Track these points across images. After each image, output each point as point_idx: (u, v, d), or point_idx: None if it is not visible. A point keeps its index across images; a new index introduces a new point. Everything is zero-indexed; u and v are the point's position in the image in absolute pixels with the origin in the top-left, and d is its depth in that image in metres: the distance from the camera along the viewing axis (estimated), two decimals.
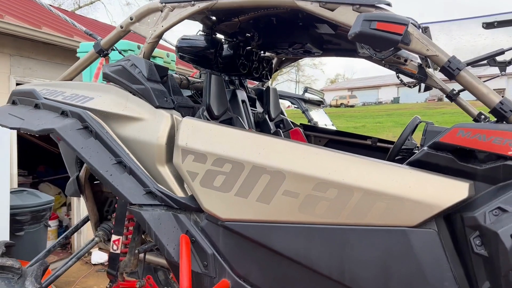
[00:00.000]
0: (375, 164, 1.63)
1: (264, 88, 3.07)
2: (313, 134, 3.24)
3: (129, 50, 3.17)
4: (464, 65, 1.59)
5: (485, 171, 1.52)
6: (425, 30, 1.92)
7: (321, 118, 6.47)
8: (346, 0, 1.70)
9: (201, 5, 1.96)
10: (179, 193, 1.90)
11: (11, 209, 4.16)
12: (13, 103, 2.35)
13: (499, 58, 1.89)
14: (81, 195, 2.67)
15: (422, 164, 1.61)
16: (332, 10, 1.74)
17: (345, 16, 1.71)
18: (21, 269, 2.11)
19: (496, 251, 1.41)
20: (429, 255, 1.51)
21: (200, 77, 2.94)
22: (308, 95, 6.51)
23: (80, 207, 6.32)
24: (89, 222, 2.77)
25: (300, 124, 3.29)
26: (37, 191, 4.92)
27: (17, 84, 5.22)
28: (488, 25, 1.78)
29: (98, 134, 1.98)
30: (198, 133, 1.86)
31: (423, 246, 1.51)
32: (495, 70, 1.98)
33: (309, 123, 3.69)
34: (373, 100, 52.82)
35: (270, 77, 3.02)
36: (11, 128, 2.16)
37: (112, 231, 2.30)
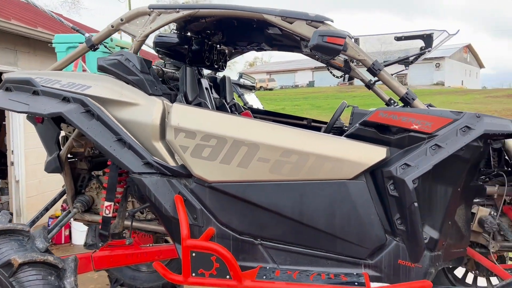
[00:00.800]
0: (323, 137, 2.28)
1: (220, 77, 3.60)
2: (259, 116, 3.84)
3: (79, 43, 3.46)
4: (383, 66, 2.29)
5: (397, 140, 2.23)
6: (356, 40, 2.59)
7: (254, 102, 7.10)
8: (302, 16, 2.30)
9: (185, 12, 2.44)
10: (171, 163, 2.40)
11: None
12: (7, 89, 2.63)
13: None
14: (62, 172, 3.02)
15: (355, 136, 2.28)
16: (291, 23, 2.33)
17: (301, 28, 2.31)
18: (29, 232, 2.47)
19: (403, 192, 2.13)
20: (360, 198, 2.20)
21: (165, 66, 3.39)
22: (242, 80, 7.10)
23: (20, 192, 6.36)
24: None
25: (248, 107, 3.87)
26: None
27: None
28: (398, 39, 2.51)
29: (100, 116, 2.39)
30: (187, 115, 2.36)
31: (356, 192, 2.20)
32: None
33: (244, 106, 4.25)
34: (290, 83, 54.81)
35: (225, 67, 3.55)
36: (19, 112, 2.47)
37: (104, 198, 2.72)
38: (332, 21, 2.31)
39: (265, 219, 2.31)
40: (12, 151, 6.26)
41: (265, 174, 2.26)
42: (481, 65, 63.45)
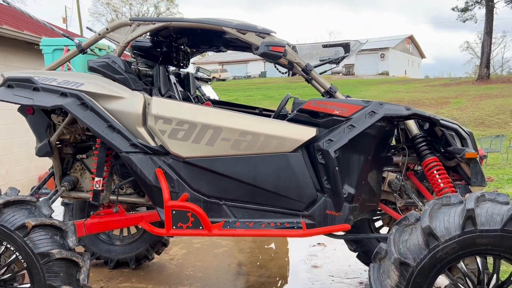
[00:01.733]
0: (271, 121, 3.01)
1: (183, 73, 4.25)
2: (218, 106, 4.52)
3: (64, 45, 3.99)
4: (313, 67, 3.05)
5: (324, 122, 3.01)
6: (294, 48, 3.32)
7: (210, 93, 7.75)
8: (252, 29, 3.01)
9: (160, 24, 3.09)
10: (152, 144, 3.05)
11: None
12: (9, 86, 3.16)
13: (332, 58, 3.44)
14: (51, 155, 3.57)
15: (294, 120, 3.04)
16: (244, 34, 3.03)
17: (251, 38, 3.02)
18: (36, 202, 3.04)
19: (328, 160, 2.91)
20: (298, 165, 2.96)
21: (137, 65, 3.99)
22: (200, 74, 7.72)
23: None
24: None
25: (208, 99, 4.54)
26: None
27: None
28: (324, 46, 3.29)
29: (93, 108, 2.99)
30: (165, 106, 3.02)
31: (295, 161, 2.96)
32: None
33: (205, 98, 4.89)
34: (242, 74, 55.51)
35: (188, 65, 4.19)
36: (26, 105, 3.02)
37: (94, 175, 3.31)
38: (275, 32, 3.04)
39: (227, 185, 3.02)
40: None
41: (227, 150, 2.97)
42: (422, 56, 66.97)
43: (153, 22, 3.10)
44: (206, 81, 8.03)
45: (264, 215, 3.03)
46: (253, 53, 3.75)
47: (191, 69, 6.78)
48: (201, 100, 4.31)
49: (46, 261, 2.81)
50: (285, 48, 2.91)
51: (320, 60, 3.74)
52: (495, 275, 2.60)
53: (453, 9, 32.48)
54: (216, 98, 8.02)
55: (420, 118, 3.13)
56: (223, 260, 5.23)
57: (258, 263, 5.13)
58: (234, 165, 2.98)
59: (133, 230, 5.07)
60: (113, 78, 3.08)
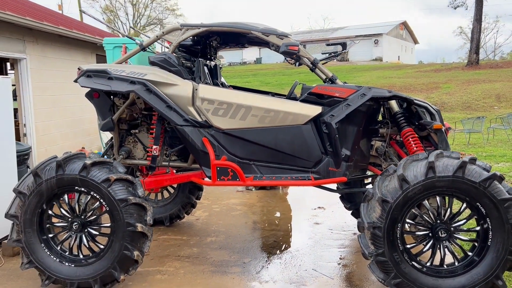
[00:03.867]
0: (288, 101, 4.06)
1: (211, 65, 5.25)
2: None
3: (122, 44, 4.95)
4: (319, 60, 4.07)
5: (327, 102, 4.03)
6: (304, 45, 4.33)
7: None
8: (274, 32, 4.02)
9: (203, 29, 4.08)
10: (199, 119, 4.07)
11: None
12: (88, 76, 4.15)
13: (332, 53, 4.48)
14: (113, 130, 4.57)
15: (305, 101, 4.07)
16: (267, 36, 4.04)
17: (273, 39, 4.04)
18: (112, 163, 4.06)
19: (330, 130, 3.95)
20: (308, 134, 3.99)
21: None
22: None
23: (32, 158, 7.66)
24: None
25: (230, 85, 5.54)
26: (18, 142, 6.30)
27: None
28: (328, 44, 4.31)
29: (155, 92, 4.00)
30: (209, 91, 4.03)
31: (306, 131, 3.99)
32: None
33: (227, 84, 5.85)
34: (238, 60, 56.14)
35: (216, 58, 5.19)
36: (105, 91, 4.02)
37: (152, 144, 4.32)
38: (291, 35, 4.05)
39: (255, 150, 4.06)
40: (25, 125, 7.54)
41: (255, 124, 4.00)
42: (415, 41, 67.74)
43: (198, 27, 4.10)
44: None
45: (283, 172, 4.08)
46: (270, 48, 4.77)
47: None
48: (225, 86, 5.32)
49: (124, 205, 3.84)
50: (299, 47, 3.92)
51: (322, 53, 4.78)
52: (449, 209, 3.66)
53: None
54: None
55: (399, 99, 4.16)
56: (240, 219, 6.30)
57: (269, 222, 6.21)
58: (260, 134, 4.00)
59: (166, 194, 6.11)
60: (169, 70, 4.08)
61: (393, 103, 4.38)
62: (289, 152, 4.03)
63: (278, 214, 6.62)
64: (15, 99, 7.75)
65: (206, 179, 4.08)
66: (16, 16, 6.59)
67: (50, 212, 4.03)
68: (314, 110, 3.99)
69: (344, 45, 4.32)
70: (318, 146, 4.03)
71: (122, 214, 3.84)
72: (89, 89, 4.31)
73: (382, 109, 4.53)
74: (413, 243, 3.72)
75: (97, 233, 4.06)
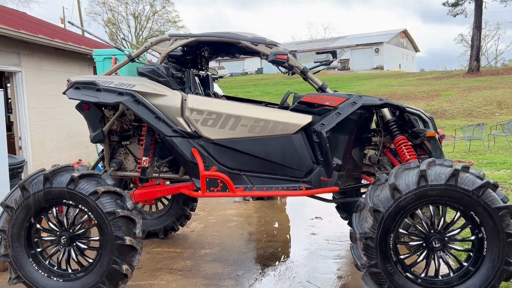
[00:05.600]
0: (278, 110, 4.00)
1: (202, 75, 5.22)
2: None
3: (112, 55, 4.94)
4: (308, 69, 4.03)
5: (317, 111, 3.98)
6: (294, 54, 4.30)
7: (217, 90, 8.73)
8: (262, 41, 3.98)
9: (192, 39, 4.06)
10: (188, 129, 4.02)
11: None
12: (77, 88, 4.12)
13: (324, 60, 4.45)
14: (103, 142, 4.52)
15: (295, 110, 4.02)
16: (256, 45, 4.01)
17: (262, 48, 4.00)
18: (101, 175, 4.01)
19: (321, 139, 3.89)
20: (299, 144, 3.94)
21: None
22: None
23: (28, 171, 7.64)
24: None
25: (223, 95, 5.51)
26: (12, 154, 6.27)
27: None
28: (317, 53, 4.28)
29: (143, 103, 3.96)
30: (198, 101, 3.99)
31: (296, 141, 3.93)
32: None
33: (219, 94, 5.81)
34: (239, 70, 56.38)
35: (207, 69, 5.16)
36: (94, 102, 3.98)
37: (142, 155, 4.28)
38: (280, 44, 4.01)
39: (246, 160, 4.00)
40: (20, 137, 7.53)
41: (245, 133, 3.95)
42: (416, 49, 67.92)
43: (187, 37, 4.07)
44: (213, 79, 9.00)
45: (274, 182, 4.01)
46: (261, 58, 4.74)
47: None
48: (217, 96, 5.28)
49: (112, 218, 3.78)
50: (288, 56, 3.88)
51: (315, 62, 4.73)
52: (442, 219, 3.58)
53: (444, 4, 33.50)
54: (222, 93, 9.01)
55: (392, 107, 4.11)
56: (236, 231, 6.22)
57: (265, 233, 6.12)
58: (250, 144, 3.95)
59: (160, 206, 6.05)
60: (158, 81, 4.04)
61: (386, 111, 4.32)
62: (279, 162, 3.97)
63: (274, 225, 6.54)
64: (11, 112, 7.76)
65: (196, 190, 4.02)
66: (11, 29, 6.61)
67: (38, 226, 3.97)
68: (304, 119, 3.94)
69: (334, 53, 4.28)
70: (309, 156, 3.97)
71: (110, 227, 3.78)
72: (79, 101, 4.28)
73: (376, 117, 4.47)
74: (406, 254, 3.63)
75: (86, 247, 3.99)
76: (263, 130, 3.93)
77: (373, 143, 4.41)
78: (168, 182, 4.83)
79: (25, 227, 3.90)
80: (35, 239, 3.99)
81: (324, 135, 3.87)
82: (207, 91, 4.99)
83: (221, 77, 9.13)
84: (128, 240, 3.78)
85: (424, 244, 3.56)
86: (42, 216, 3.98)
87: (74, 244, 3.98)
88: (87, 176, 3.90)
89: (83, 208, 3.84)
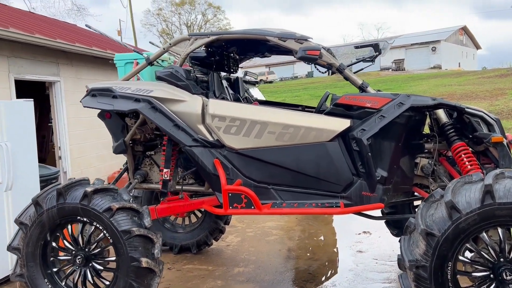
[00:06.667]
0: (309, 114, 3.48)
1: (233, 78, 4.80)
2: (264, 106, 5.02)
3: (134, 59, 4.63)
4: (346, 66, 3.48)
5: (357, 114, 3.42)
6: (329, 50, 3.76)
7: (257, 95, 8.31)
8: (291, 36, 3.49)
9: (213, 37, 3.64)
10: (210, 138, 3.60)
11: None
12: (93, 95, 3.83)
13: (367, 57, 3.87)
14: (126, 152, 4.20)
15: (331, 114, 3.48)
16: (284, 41, 3.52)
17: (291, 44, 3.50)
18: (117, 190, 3.68)
19: (361, 147, 3.32)
20: (335, 153, 3.39)
21: (194, 72, 4.58)
22: (247, 77, 8.31)
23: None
24: None
25: (256, 99, 5.06)
26: (47, 165, 6.20)
27: (15, 80, 6.38)
28: (356, 47, 3.71)
29: (161, 110, 3.59)
30: (220, 106, 3.56)
31: (332, 149, 3.39)
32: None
33: (252, 99, 5.38)
34: (289, 75, 55.83)
35: (237, 71, 4.73)
36: (108, 111, 3.68)
37: (163, 167, 3.91)
38: (311, 38, 3.50)
39: (274, 172, 3.51)
40: (59, 147, 7.50)
41: (272, 142, 3.47)
42: (477, 46, 64.04)
43: (208, 36, 3.66)
44: (254, 83, 8.60)
45: (307, 197, 3.49)
46: (294, 56, 4.24)
47: (239, 73, 7.38)
48: (249, 101, 4.83)
49: (128, 237, 3.42)
50: (320, 51, 3.36)
51: (357, 59, 4.15)
52: None
53: None
54: (263, 98, 8.57)
55: (448, 107, 3.46)
56: (274, 246, 5.72)
57: (306, 249, 5.58)
58: (279, 154, 3.46)
59: (193, 219, 5.68)
60: (176, 85, 3.66)
61: (441, 113, 3.67)
62: (313, 174, 3.45)
63: (317, 240, 5.97)
64: (51, 122, 7.77)
65: (219, 206, 3.57)
66: (47, 39, 6.56)
67: (53, 244, 3.71)
68: (341, 124, 3.39)
69: (376, 47, 3.68)
70: (347, 167, 3.41)
71: (126, 247, 3.43)
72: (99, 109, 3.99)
73: (429, 120, 3.83)
74: (469, 287, 2.98)
75: (102, 268, 3.67)
76: (293, 138, 3.43)
77: (426, 151, 3.76)
78: (191, 195, 4.43)
79: (40, 245, 3.64)
80: (51, 258, 3.72)
81: (365, 142, 3.30)
82: (236, 96, 4.56)
83: (257, 82, 8.71)
84: (144, 262, 3.41)
85: (491, 275, 2.88)
86: (58, 234, 3.71)
87: (90, 264, 3.67)
88: (102, 191, 3.58)
89: (98, 226, 3.53)
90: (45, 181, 5.81)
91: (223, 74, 4.83)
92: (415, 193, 4.04)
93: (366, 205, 3.39)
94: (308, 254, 5.36)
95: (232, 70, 4.52)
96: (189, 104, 3.61)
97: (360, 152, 3.35)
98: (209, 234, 5.48)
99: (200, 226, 5.53)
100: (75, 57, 7.69)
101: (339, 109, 3.46)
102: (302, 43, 3.48)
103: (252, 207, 3.39)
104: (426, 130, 3.94)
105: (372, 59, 3.93)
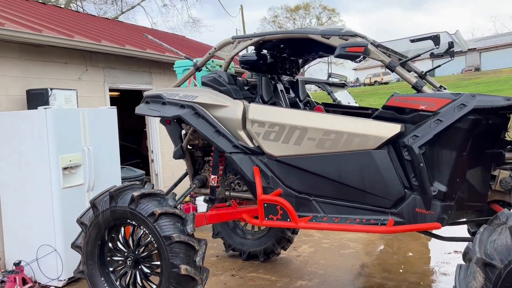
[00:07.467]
0: (354, 119, 3.11)
1: (294, 80, 4.56)
2: (332, 109, 4.69)
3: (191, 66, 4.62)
4: (398, 64, 3.03)
5: (410, 118, 2.95)
6: (379, 45, 3.31)
7: (345, 98, 7.87)
8: (335, 33, 3.16)
9: (255, 39, 3.48)
10: (250, 145, 3.44)
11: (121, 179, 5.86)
12: (147, 102, 3.95)
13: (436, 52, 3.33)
14: (184, 158, 4.24)
15: (380, 118, 3.06)
16: (328, 38, 3.20)
17: (335, 41, 3.17)
18: (164, 195, 3.72)
19: (413, 156, 2.85)
20: (382, 162, 2.97)
21: (252, 77, 4.46)
22: (331, 79, 7.92)
23: (158, 182, 8.06)
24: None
25: (322, 103, 4.74)
26: (133, 167, 6.65)
27: (110, 90, 6.95)
28: (412, 41, 3.20)
29: (203, 116, 3.54)
30: (259, 111, 3.38)
31: (379, 158, 2.97)
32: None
33: (333, 102, 5.05)
34: None
35: (298, 73, 4.49)
36: (154, 116, 3.77)
37: (211, 173, 3.87)
38: (356, 35, 3.13)
39: (315, 182, 3.21)
40: (152, 151, 7.98)
41: (312, 149, 3.17)
42: None
43: (250, 38, 3.51)
44: (342, 86, 8.17)
45: (353, 212, 3.12)
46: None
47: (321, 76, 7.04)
48: (312, 104, 4.55)
49: (169, 243, 3.43)
50: (366, 48, 2.97)
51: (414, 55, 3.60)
52: None
53: None
54: (352, 102, 8.09)
55: None
56: (348, 260, 5.31)
57: (382, 267, 5.06)
58: (319, 163, 3.15)
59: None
60: (219, 90, 3.58)
61: None
62: (357, 186, 3.07)
63: (397, 257, 5.39)
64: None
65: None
66: (137, 50, 7.04)
67: (110, 245, 3.90)
68: (390, 129, 2.96)
69: (436, 39, 3.12)
70: (398, 179, 2.96)
71: (167, 253, 3.44)
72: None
73: None
74: None
75: (149, 271, 3.74)
76: (335, 145, 3.09)
77: (507, 161, 3.11)
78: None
79: (97, 245, 3.85)
80: (108, 258, 3.91)
81: (417, 151, 2.82)
82: (294, 100, 4.31)
83: (345, 84, 8.20)
84: (183, 269, 3.38)
85: None
86: (113, 235, 3.89)
87: (139, 267, 3.77)
88: (149, 196, 3.65)
89: (144, 230, 3.61)
90: (132, 181, 6.21)
91: (286, 78, 4.63)
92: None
93: (420, 224, 2.90)
94: (381, 273, 4.85)
95: (289, 72, 4.30)
96: (230, 109, 3.50)
97: (412, 162, 2.87)
98: (276, 242, 5.30)
99: (268, 234, 5.39)
100: (167, 66, 8.12)
101: (390, 112, 3.02)
102: (347, 39, 3.12)
103: (288, 219, 3.14)
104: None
105: (440, 54, 3.38)
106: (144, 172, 6.76)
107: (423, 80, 4.08)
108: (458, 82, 33.57)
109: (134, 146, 10.11)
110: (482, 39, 52.23)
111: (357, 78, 49.97)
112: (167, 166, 8.20)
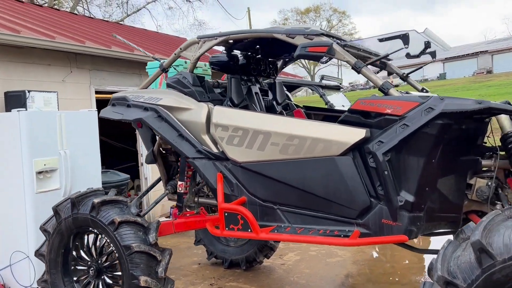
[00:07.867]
0: (318, 123, 2.91)
1: (269, 82, 4.37)
2: (313, 113, 4.48)
3: (179, 65, 4.50)
4: (364, 65, 2.83)
5: (376, 122, 2.75)
6: (345, 44, 3.11)
7: (339, 101, 7.64)
8: (300, 32, 2.98)
9: (220, 38, 3.31)
10: (214, 150, 3.27)
11: (102, 184, 5.72)
12: (113, 105, 3.81)
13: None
14: (156, 163, 4.09)
15: (345, 122, 2.86)
16: (293, 38, 3.02)
17: (300, 41, 2.98)
18: (127, 202, 3.57)
19: (378, 163, 2.65)
20: (347, 169, 2.77)
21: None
22: (324, 82, 7.70)
23: (147, 186, 7.91)
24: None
25: (303, 106, 4.54)
26: (117, 171, 6.52)
27: (97, 92, 6.84)
28: (380, 40, 3.00)
29: (167, 119, 3.38)
30: (223, 114, 3.21)
31: (343, 165, 2.78)
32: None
33: (297, 105, 4.79)
34: (417, 77, 51.95)
35: (277, 74, 4.30)
36: (115, 119, 3.62)
37: (178, 179, 3.70)
38: (323, 34, 2.93)
39: (279, 190, 3.02)
40: (141, 154, 7.85)
41: (276, 155, 2.99)
42: None
43: (215, 37, 3.34)
44: (337, 88, 7.95)
45: (318, 222, 2.92)
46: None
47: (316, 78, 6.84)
48: (291, 107, 4.36)
49: (129, 253, 3.27)
50: (330, 47, 2.78)
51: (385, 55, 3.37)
52: None
53: None
54: (346, 104, 7.86)
55: (499, 112, 2.58)
56: (333, 269, 5.10)
57: (366, 276, 4.84)
58: (283, 169, 2.96)
59: None
60: (184, 92, 3.42)
61: (504, 120, 2.78)
62: (322, 195, 2.87)
63: (383, 267, 5.16)
64: None
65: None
66: (124, 52, 6.93)
67: (74, 253, 3.75)
68: (354, 134, 2.76)
69: (404, 38, 2.90)
70: (363, 187, 2.76)
71: (127, 264, 3.28)
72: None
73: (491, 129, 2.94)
74: None
75: (111, 282, 3.59)
76: (298, 151, 2.90)
77: (484, 169, 2.89)
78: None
79: (61, 254, 3.71)
80: (72, 267, 3.77)
81: (381, 158, 2.62)
82: (271, 102, 4.13)
83: (340, 87, 7.96)
84: (143, 280, 3.22)
85: None
86: (77, 243, 3.75)
87: (102, 277, 3.61)
88: (111, 203, 3.50)
89: (106, 238, 3.46)
90: (114, 187, 6.08)
91: (267, 80, 4.44)
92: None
93: (386, 237, 2.69)
94: (367, 284, 4.63)
95: (266, 74, 4.11)
96: (194, 112, 3.33)
97: (377, 169, 2.67)
98: (258, 250, 5.11)
99: (250, 242, 5.19)
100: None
101: (355, 116, 2.82)
102: (312, 39, 2.93)
103: (249, 230, 2.95)
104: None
105: (417, 55, 3.17)
106: (128, 176, 6.63)
107: (405, 82, 3.88)
108: (469, 85, 32.98)
109: (133, 149, 9.98)
110: (494, 41, 51.45)
111: (351, 83, 49.30)
112: (156, 170, 8.02)
